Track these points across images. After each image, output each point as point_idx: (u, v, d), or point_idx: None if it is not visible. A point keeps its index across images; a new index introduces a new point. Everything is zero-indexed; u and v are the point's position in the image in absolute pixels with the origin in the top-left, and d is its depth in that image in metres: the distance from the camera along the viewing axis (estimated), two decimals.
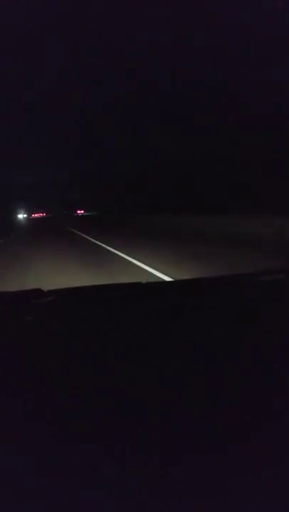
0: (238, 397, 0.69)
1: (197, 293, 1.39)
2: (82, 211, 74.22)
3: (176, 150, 25.95)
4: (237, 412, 0.64)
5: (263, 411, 0.65)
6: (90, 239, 12.78)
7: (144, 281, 1.50)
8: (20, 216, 73.84)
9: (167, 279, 5.18)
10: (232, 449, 0.57)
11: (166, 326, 1.06)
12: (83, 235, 14.85)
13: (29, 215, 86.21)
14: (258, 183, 16.68)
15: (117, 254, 8.10)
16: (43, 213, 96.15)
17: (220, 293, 1.38)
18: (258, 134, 17.33)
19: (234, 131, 19.36)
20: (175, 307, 1.22)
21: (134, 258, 7.19)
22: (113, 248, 9.16)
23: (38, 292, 1.25)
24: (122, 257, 7.64)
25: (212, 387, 0.72)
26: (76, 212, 76.11)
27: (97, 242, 11.45)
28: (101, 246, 10.22)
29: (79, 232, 16.65)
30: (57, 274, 5.94)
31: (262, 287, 1.41)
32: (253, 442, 0.58)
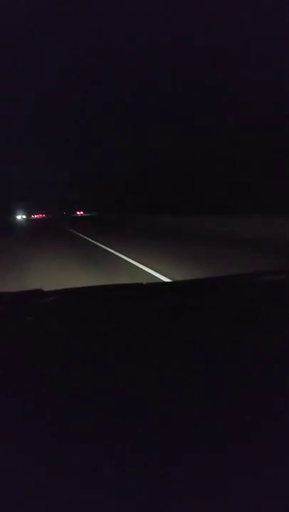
0: (238, 397, 0.69)
1: (197, 293, 1.39)
2: (82, 212, 73.98)
3: (176, 150, 25.96)
4: (237, 412, 0.64)
5: (263, 411, 0.65)
6: (90, 240, 12.77)
7: (144, 282, 1.50)
8: (19, 217, 71.93)
9: (166, 279, 5.18)
10: (232, 449, 0.57)
11: (166, 326, 1.06)
12: (82, 236, 14.84)
13: (28, 215, 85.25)
14: (258, 183, 16.69)
15: (117, 255, 8.10)
16: (42, 214, 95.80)
17: (220, 293, 1.38)
18: (258, 134, 17.34)
19: (234, 131, 19.37)
20: (175, 308, 1.22)
21: (133, 259, 7.19)
22: (112, 249, 9.16)
23: (38, 293, 1.25)
24: (122, 258, 7.64)
25: (212, 387, 0.72)
26: (76, 212, 75.87)
27: (96, 242, 11.45)
28: (101, 247, 10.22)
29: (78, 233, 16.64)
30: (56, 274, 5.95)
31: (262, 287, 1.41)
32: (253, 442, 0.58)
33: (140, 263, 6.60)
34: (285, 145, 15.64)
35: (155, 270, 5.84)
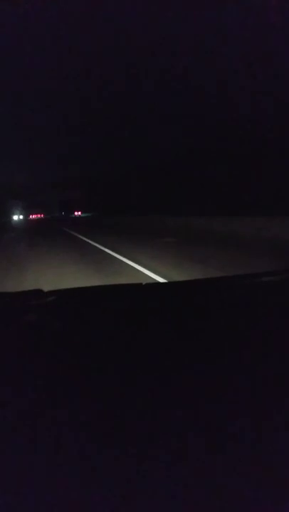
0: (238, 397, 0.69)
1: (197, 294, 1.39)
2: (80, 212, 73.47)
3: (176, 149, 25.98)
4: (237, 412, 0.65)
5: (263, 411, 0.65)
6: (88, 240, 12.76)
7: (143, 282, 1.50)
8: (16, 217, 67.37)
9: (163, 280, 5.18)
10: (232, 449, 0.57)
11: (165, 326, 1.06)
12: (77, 235, 14.87)
13: (27, 215, 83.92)
14: (257, 183, 16.70)
15: (115, 256, 8.08)
16: (41, 214, 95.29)
17: (220, 294, 1.38)
18: (258, 134, 17.34)
19: (234, 131, 19.37)
20: (175, 308, 1.22)
21: (131, 259, 7.20)
22: (109, 249, 9.14)
23: (38, 293, 1.25)
24: (119, 258, 7.63)
25: (212, 387, 0.72)
26: (74, 213, 75.34)
27: (92, 242, 11.45)
28: (97, 246, 10.21)
29: (75, 233, 16.63)
30: (58, 272, 5.96)
31: (262, 287, 1.41)
32: (254, 442, 0.58)
33: (138, 263, 6.62)
34: (285, 145, 15.63)
35: (153, 270, 5.85)
